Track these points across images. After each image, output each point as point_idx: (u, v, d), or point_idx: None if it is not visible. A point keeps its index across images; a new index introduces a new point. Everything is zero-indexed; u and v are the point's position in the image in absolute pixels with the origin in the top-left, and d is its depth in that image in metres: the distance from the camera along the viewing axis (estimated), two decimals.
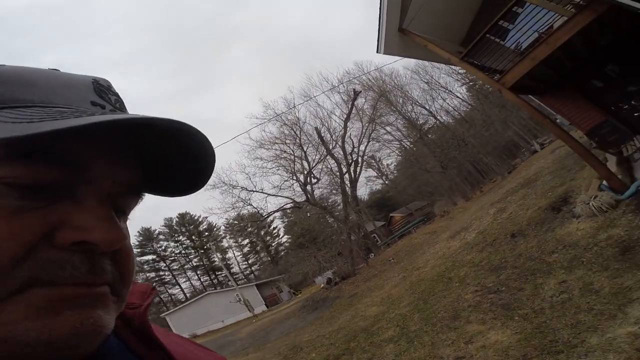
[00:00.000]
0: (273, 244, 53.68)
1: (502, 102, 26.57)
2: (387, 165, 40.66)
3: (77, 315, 0.30)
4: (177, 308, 31.81)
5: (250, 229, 45.91)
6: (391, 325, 6.03)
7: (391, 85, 28.18)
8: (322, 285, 15.59)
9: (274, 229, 53.22)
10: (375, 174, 40.12)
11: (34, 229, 0.29)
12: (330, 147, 19.82)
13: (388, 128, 29.23)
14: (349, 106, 21.27)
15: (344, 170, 20.04)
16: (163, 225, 53.87)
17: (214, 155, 0.39)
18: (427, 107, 30.76)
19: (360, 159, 22.20)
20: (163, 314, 32.13)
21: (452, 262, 8.07)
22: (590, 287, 3.67)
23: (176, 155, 0.38)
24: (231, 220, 25.36)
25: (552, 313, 3.64)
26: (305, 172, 18.93)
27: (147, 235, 52.92)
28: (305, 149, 19.33)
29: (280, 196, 19.52)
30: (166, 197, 0.45)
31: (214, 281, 51.52)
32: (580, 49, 6.23)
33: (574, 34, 5.26)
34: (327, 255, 15.69)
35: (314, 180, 19.06)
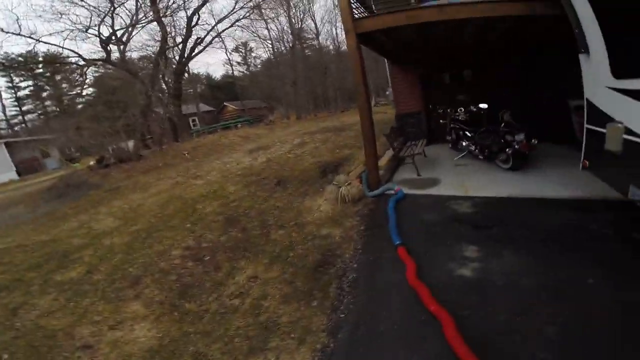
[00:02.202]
0: (71, 93, 38.33)
1: (377, 57, 26.79)
2: (255, 57, 35.85)
3: None
4: None
5: (41, 70, 31.44)
6: (87, 259, 4.52)
7: None
8: (90, 163, 11.79)
9: (78, 76, 37.57)
10: (239, 61, 35.07)
11: None
12: (164, 12, 13.81)
13: (272, 26, 24.23)
14: None
15: (174, 43, 14.99)
16: None
17: None
18: (317, 27, 27.40)
19: (210, 37, 17.23)
20: None
21: (219, 186, 6.85)
22: (259, 304, 2.92)
23: None
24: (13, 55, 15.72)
25: (205, 326, 2.96)
26: (112, 30, 12.78)
27: None
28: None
29: (62, 47, 13.15)
30: None
31: None
32: (467, 34, 5.12)
33: (479, 17, 3.98)
34: (110, 128, 11.77)
35: (120, 41, 13.18)
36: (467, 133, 5.79)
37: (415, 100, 7.71)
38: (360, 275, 3.18)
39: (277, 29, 25.64)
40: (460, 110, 6.08)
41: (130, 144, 12.16)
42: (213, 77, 43.07)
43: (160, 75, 14.68)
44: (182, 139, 15.26)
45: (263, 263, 3.71)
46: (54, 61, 18.10)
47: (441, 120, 6.59)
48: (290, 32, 25.53)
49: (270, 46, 27.67)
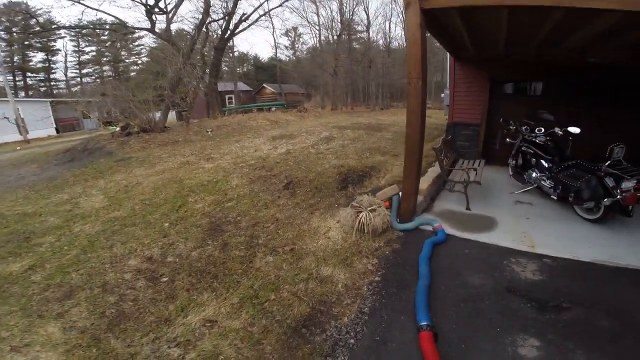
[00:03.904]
0: (127, 61, 40.21)
1: (430, 57, 24.54)
2: (303, 43, 35.32)
3: None
4: None
5: (106, 38, 32.96)
6: (42, 249, 3.78)
7: None
8: (116, 129, 11.52)
9: (139, 46, 39.17)
10: (287, 45, 34.71)
11: None
12: None
13: (322, 12, 23.42)
14: None
15: (217, 17, 14.33)
16: None
17: None
18: (370, 18, 26.03)
19: (257, 15, 16.41)
20: None
21: (223, 175, 5.98)
22: None
23: None
24: (84, 22, 16.01)
25: None
26: None
27: None
28: None
29: (108, 13, 13.18)
30: None
31: (18, 83, 35.60)
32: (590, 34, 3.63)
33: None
34: (134, 97, 11.31)
35: (162, 10, 12.71)
36: (543, 162, 4.32)
37: (476, 110, 6.21)
38: None
39: (327, 16, 24.59)
40: (539, 131, 4.58)
41: (160, 115, 11.73)
42: (260, 58, 43.04)
43: (199, 49, 14.14)
44: (212, 115, 14.69)
45: (231, 303, 2.69)
46: (112, 29, 18.24)
47: (508, 140, 5.13)
48: (339, 20, 24.16)
49: (318, 33, 26.66)
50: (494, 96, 5.96)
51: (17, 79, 36.18)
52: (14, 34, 31.44)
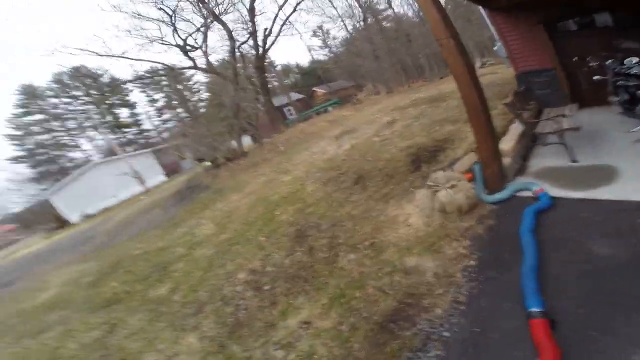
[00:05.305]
0: (193, 99, 44.98)
1: (469, 16, 21.39)
2: (333, 38, 34.53)
3: None
4: (60, 186, 23.49)
5: (166, 83, 37.89)
6: (176, 275, 4.55)
7: None
8: (206, 165, 13.08)
9: (195, 83, 42.12)
10: (320, 45, 34.22)
11: None
12: (222, 9, 13.90)
13: (337, 2, 22.62)
14: None
15: (244, 39, 15.08)
16: (51, 81, 38.45)
17: None
18: None
19: (279, 27, 16.61)
20: (47, 194, 23.57)
21: (300, 184, 6.25)
22: None
23: None
24: (141, 73, 19.17)
25: None
26: (184, 38, 13.71)
27: (30, 92, 38.53)
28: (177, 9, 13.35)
29: (153, 62, 15.18)
30: None
31: (121, 139, 41.51)
32: None
33: None
34: (209, 130, 12.74)
35: (195, 47, 13.98)
36: None
37: (540, 54, 5.15)
38: (449, 357, 1.87)
39: (343, 5, 23.47)
40: (630, 62, 3.53)
41: (236, 142, 12.94)
42: (302, 65, 43.86)
43: (244, 73, 15.14)
44: (277, 130, 15.54)
45: (321, 304, 2.76)
46: (163, 74, 20.53)
47: (595, 77, 4.08)
48: (358, 5, 22.85)
49: (343, 24, 25.63)
50: (556, 36, 4.86)
51: (117, 134, 42.10)
52: (93, 96, 37.74)
